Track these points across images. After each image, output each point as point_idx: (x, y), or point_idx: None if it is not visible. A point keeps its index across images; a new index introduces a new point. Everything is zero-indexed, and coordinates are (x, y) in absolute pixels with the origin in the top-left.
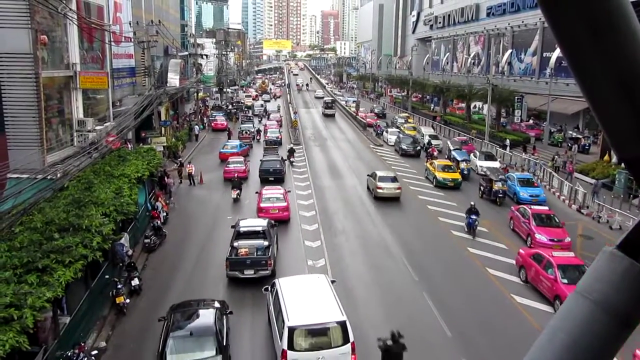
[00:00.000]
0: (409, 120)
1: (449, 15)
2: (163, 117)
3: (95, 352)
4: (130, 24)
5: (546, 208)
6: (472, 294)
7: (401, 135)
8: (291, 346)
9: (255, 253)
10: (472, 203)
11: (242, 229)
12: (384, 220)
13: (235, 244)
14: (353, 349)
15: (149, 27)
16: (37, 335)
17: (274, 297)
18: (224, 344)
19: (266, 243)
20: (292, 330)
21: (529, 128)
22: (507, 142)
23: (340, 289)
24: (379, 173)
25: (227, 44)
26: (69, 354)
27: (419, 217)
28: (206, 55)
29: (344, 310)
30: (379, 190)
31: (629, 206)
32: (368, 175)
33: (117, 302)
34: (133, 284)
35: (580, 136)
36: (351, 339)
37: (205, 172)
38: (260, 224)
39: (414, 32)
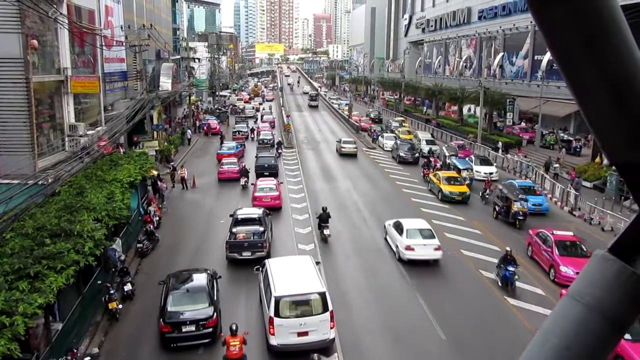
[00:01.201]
0: (404, 123)
1: (441, 19)
2: (155, 121)
3: (87, 358)
4: (121, 27)
5: (571, 234)
6: (466, 296)
7: (398, 142)
8: (277, 313)
9: (252, 237)
10: (509, 249)
11: (239, 216)
12: (379, 224)
13: (234, 229)
14: (332, 317)
15: (140, 31)
16: (29, 342)
17: (264, 275)
18: (215, 299)
19: (262, 228)
20: (278, 299)
21: (524, 131)
22: (500, 144)
23: (336, 291)
24: (343, 138)
25: (220, 48)
26: None
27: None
28: (198, 59)
29: (324, 284)
30: (342, 150)
31: (621, 208)
32: (337, 141)
33: (110, 307)
34: (126, 289)
35: (572, 138)
36: (330, 308)
37: (198, 176)
38: (256, 212)
39: (406, 35)
